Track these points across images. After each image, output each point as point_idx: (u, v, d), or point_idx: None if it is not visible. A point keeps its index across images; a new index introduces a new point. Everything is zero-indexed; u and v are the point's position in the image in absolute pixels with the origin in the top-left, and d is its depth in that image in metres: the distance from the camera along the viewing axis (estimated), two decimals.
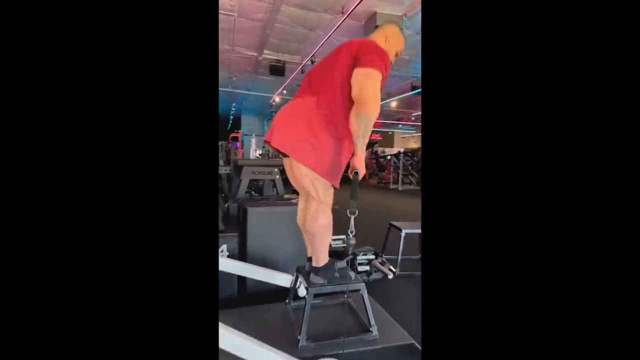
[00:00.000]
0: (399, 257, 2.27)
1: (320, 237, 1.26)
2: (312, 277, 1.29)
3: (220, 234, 1.73)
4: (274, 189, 2.49)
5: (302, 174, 1.17)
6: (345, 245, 2.13)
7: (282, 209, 1.85)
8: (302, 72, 6.04)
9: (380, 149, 12.77)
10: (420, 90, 6.47)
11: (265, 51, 5.58)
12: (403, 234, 2.27)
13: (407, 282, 2.14)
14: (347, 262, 1.34)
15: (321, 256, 1.29)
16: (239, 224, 1.95)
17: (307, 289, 1.26)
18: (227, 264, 1.55)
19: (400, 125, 13.81)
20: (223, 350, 0.94)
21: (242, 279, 1.70)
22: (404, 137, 16.26)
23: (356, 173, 1.06)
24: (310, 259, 1.34)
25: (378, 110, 1.09)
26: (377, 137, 14.28)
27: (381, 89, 1.14)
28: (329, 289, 1.28)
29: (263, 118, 13.56)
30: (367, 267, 2.08)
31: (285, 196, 2.30)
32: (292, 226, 1.40)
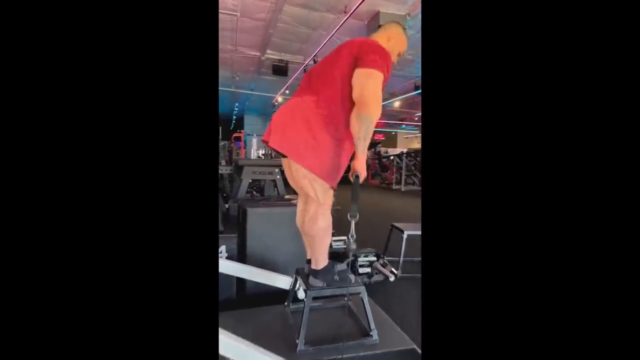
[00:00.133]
0: (401, 259, 2.24)
1: (319, 239, 1.24)
2: (311, 279, 1.27)
3: (219, 235, 1.72)
4: (275, 189, 2.48)
5: (300, 175, 1.14)
6: (346, 247, 2.11)
7: (282, 210, 1.83)
8: (305, 71, 6.03)
9: (383, 149, 12.74)
10: None
11: (268, 51, 5.57)
12: (405, 236, 2.24)
13: (408, 284, 2.12)
14: (348, 265, 1.32)
15: (320, 258, 1.27)
16: (239, 224, 1.93)
17: (306, 291, 1.23)
18: (226, 266, 1.54)
19: (403, 126, 13.76)
20: (220, 355, 0.93)
21: (241, 281, 1.68)
22: (407, 138, 16.20)
23: (357, 176, 1.04)
24: (309, 261, 1.32)
25: (379, 112, 1.07)
26: (380, 137, 14.24)
27: (383, 90, 1.12)
28: (328, 292, 1.26)
29: (266, 118, 13.55)
30: (369, 269, 2.05)
31: (286, 196, 2.28)
32: (293, 227, 1.38)
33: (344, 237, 2.37)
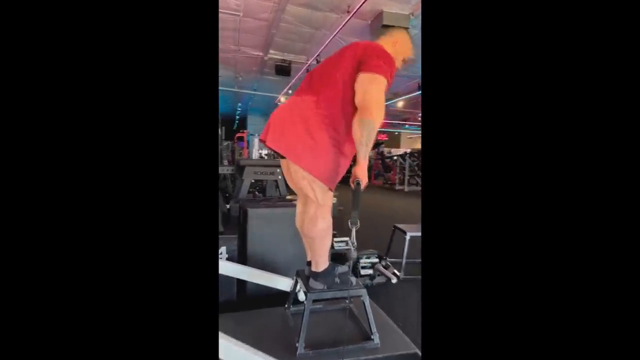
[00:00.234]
0: (404, 261, 2.22)
1: (319, 241, 1.22)
2: (312, 282, 1.25)
3: (219, 236, 1.70)
4: (277, 189, 2.46)
5: (299, 176, 1.13)
6: (348, 248, 2.09)
7: (283, 211, 1.81)
8: (308, 71, 6.01)
9: (386, 150, 12.69)
10: None
11: (271, 51, 5.56)
12: (408, 237, 2.22)
13: (411, 286, 2.09)
14: (349, 267, 1.30)
15: (321, 260, 1.25)
16: (240, 225, 1.92)
17: (306, 294, 1.22)
18: (226, 267, 1.53)
19: (406, 126, 13.70)
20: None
21: (241, 282, 1.67)
22: (410, 138, 16.13)
23: (358, 183, 1.03)
24: (309, 263, 1.30)
25: (382, 117, 1.06)
26: (384, 137, 14.19)
27: (385, 93, 1.11)
28: (328, 295, 1.25)
29: (268, 118, 13.56)
30: (370, 271, 2.03)
31: (288, 197, 2.26)
32: (294, 228, 1.36)
33: (346, 239, 2.35)
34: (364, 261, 2.07)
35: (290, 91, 8.05)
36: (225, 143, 5.70)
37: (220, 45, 5.19)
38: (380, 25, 3.91)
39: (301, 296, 1.40)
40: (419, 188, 8.58)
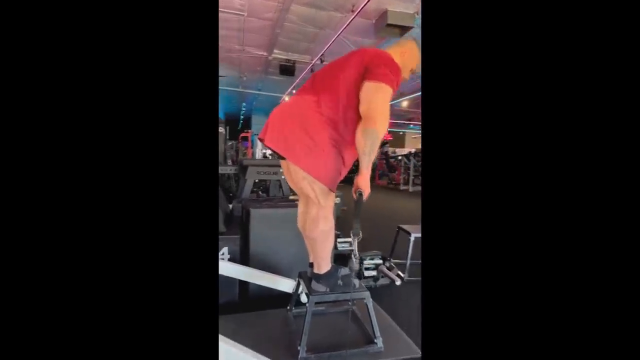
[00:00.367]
0: (408, 262, 2.19)
1: (321, 242, 1.20)
2: (314, 284, 1.23)
3: (221, 236, 1.69)
4: (280, 189, 2.45)
5: (300, 177, 1.11)
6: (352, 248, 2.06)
7: (286, 211, 1.80)
8: (312, 71, 6.00)
9: (390, 150, 12.64)
10: None
11: (275, 51, 5.55)
12: (412, 238, 2.19)
13: (415, 288, 2.06)
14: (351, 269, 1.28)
15: (323, 262, 1.23)
16: (242, 225, 1.91)
17: (308, 296, 1.20)
18: (227, 268, 1.51)
19: (411, 125, 13.62)
20: None
21: (243, 283, 1.66)
22: (415, 138, 16.04)
23: (360, 193, 1.01)
24: (312, 265, 1.28)
25: (386, 127, 1.05)
26: (388, 137, 14.13)
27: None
28: (331, 297, 1.23)
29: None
30: (374, 272, 2.01)
31: (291, 197, 2.25)
32: (296, 229, 1.34)
33: (349, 239, 2.33)
34: (367, 262, 2.05)
35: (294, 91, 8.05)
36: (229, 143, 5.71)
37: (225, 45, 5.20)
38: (384, 24, 3.88)
39: (303, 298, 1.38)
40: None
